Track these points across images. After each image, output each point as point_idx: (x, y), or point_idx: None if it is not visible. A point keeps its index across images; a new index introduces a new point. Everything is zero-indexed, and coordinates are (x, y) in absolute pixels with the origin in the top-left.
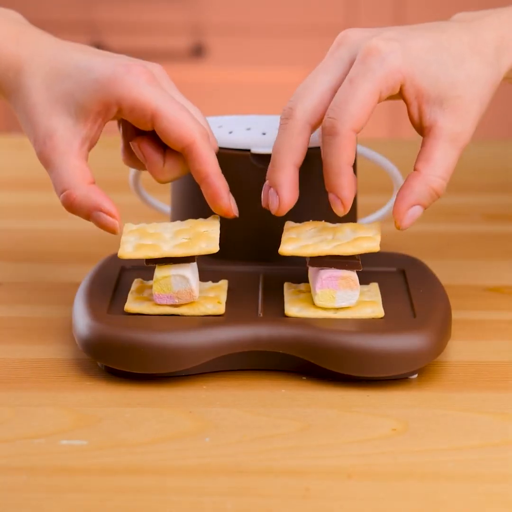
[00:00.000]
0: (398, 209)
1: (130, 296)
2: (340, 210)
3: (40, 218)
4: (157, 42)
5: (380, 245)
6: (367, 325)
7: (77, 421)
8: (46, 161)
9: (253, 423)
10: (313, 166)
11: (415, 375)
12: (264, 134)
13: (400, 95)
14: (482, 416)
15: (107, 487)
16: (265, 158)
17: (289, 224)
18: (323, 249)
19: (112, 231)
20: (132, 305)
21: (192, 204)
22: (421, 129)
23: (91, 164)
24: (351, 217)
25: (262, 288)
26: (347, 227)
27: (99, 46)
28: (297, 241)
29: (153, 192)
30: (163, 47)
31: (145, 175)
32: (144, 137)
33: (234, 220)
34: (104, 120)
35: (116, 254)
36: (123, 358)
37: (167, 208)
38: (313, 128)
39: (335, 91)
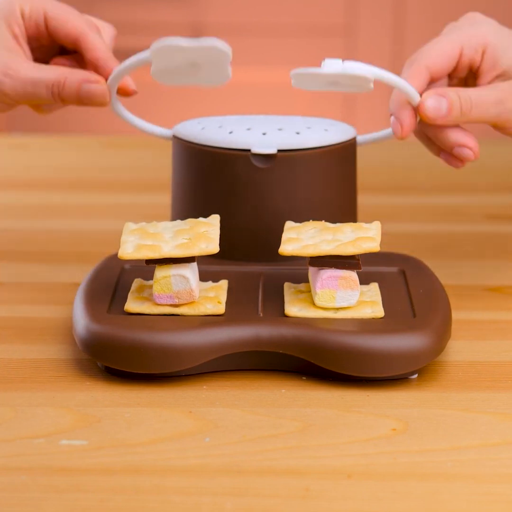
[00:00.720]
0: (424, 96)
1: (130, 296)
2: (398, 131)
3: (40, 218)
4: None
5: (380, 245)
6: (367, 325)
7: (77, 421)
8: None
9: (253, 423)
10: (314, 167)
11: (415, 375)
12: (264, 134)
13: (479, 62)
14: (482, 416)
15: (107, 487)
16: (265, 158)
17: (289, 224)
18: (323, 249)
19: (102, 98)
20: (132, 305)
21: (192, 203)
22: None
23: (91, 164)
24: (351, 217)
25: (262, 288)
26: (347, 227)
27: None
28: (298, 241)
29: (152, 191)
30: None
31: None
32: (55, 57)
33: (234, 220)
34: (21, 32)
35: (116, 254)
36: (123, 358)
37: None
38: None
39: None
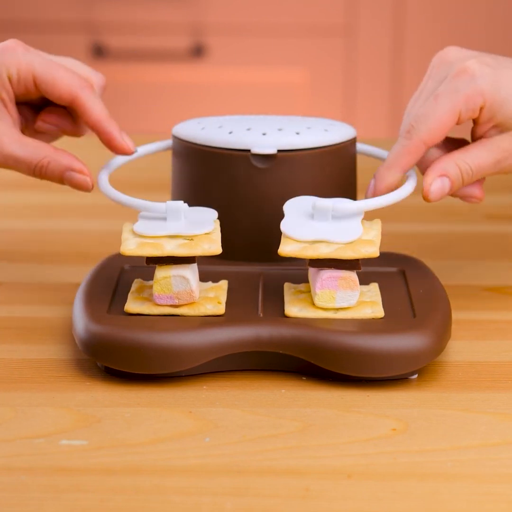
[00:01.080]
0: (426, 179)
1: (130, 297)
2: (369, 195)
3: (40, 218)
4: (157, 42)
5: (380, 245)
6: (367, 325)
7: (77, 421)
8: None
9: (253, 423)
10: (314, 167)
11: (415, 375)
12: (264, 134)
13: (476, 117)
14: (482, 416)
15: (107, 487)
16: (265, 158)
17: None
18: (322, 252)
19: (86, 188)
20: (132, 305)
21: (192, 203)
22: (474, 135)
23: (91, 164)
24: None
25: (262, 288)
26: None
27: (99, 46)
28: (297, 242)
29: (152, 191)
30: (163, 47)
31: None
32: (43, 112)
33: (234, 220)
34: (9, 96)
35: (116, 254)
36: (123, 358)
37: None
38: (428, 147)
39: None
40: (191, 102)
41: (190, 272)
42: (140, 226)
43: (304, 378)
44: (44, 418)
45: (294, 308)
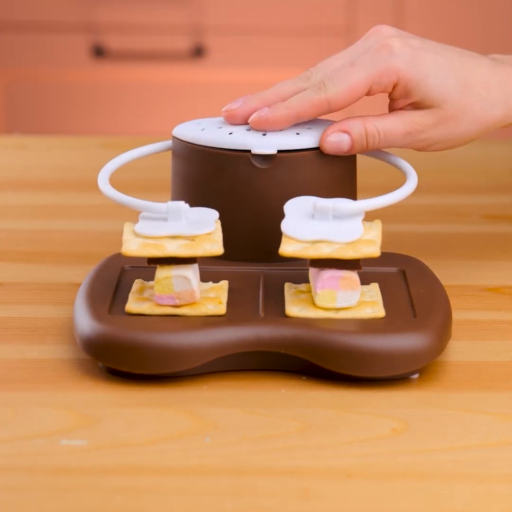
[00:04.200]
0: (326, 130)
1: (131, 297)
2: (253, 118)
3: (40, 218)
4: (157, 42)
5: (381, 245)
6: (367, 325)
7: (77, 421)
8: None
9: (253, 423)
10: (314, 168)
11: (416, 375)
12: (264, 134)
13: (390, 92)
14: (482, 416)
15: (107, 487)
16: (265, 159)
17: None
18: (323, 252)
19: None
20: (133, 305)
21: (192, 203)
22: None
23: (91, 164)
24: None
25: (263, 288)
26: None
27: (99, 46)
28: (298, 242)
29: (152, 192)
30: (163, 48)
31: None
32: None
33: (234, 221)
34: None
35: (117, 254)
36: (124, 359)
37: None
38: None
39: None
40: (191, 102)
41: (192, 272)
42: (142, 226)
43: (304, 378)
44: (44, 418)
45: (295, 308)
